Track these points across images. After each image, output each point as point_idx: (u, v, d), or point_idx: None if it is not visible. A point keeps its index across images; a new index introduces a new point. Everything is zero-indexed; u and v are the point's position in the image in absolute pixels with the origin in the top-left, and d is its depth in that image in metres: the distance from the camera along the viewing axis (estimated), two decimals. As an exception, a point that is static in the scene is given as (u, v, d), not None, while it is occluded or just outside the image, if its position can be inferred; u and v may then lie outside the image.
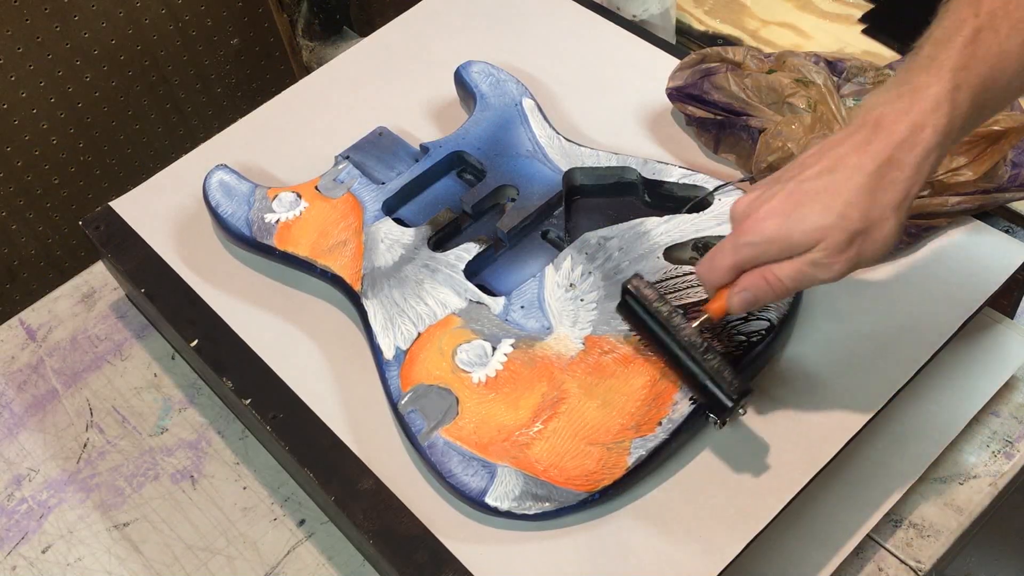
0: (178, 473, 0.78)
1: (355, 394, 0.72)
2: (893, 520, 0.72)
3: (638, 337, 0.68)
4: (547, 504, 0.63)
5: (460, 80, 0.87)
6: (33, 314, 0.89)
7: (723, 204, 0.75)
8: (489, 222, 0.78)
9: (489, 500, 0.64)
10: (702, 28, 1.19)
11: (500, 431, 0.66)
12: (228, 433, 0.80)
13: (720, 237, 0.73)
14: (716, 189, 0.75)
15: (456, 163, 0.82)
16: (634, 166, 0.78)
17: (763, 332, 0.68)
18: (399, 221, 0.78)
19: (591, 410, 0.66)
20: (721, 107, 0.80)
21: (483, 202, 0.79)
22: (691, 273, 0.71)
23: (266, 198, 0.81)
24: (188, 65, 1.36)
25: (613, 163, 0.78)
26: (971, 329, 0.74)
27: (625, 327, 0.69)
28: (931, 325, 0.70)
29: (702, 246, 0.73)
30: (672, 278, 0.71)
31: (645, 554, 0.63)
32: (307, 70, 1.47)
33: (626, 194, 0.79)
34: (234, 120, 0.93)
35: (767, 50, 0.83)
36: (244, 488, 0.77)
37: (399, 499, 0.67)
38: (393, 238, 0.77)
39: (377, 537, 0.65)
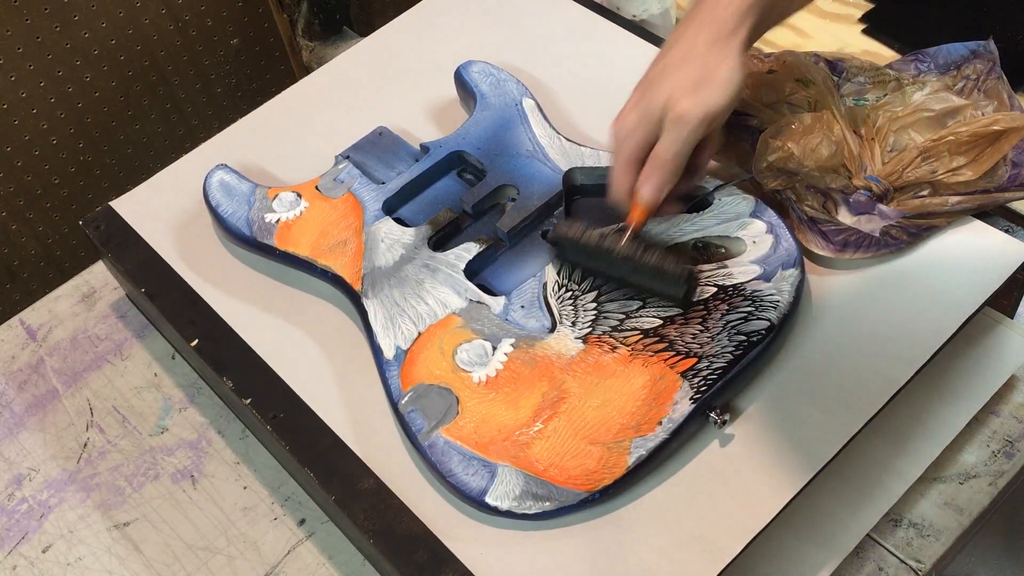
0: (178, 473, 0.78)
1: (355, 394, 0.72)
2: (893, 520, 0.72)
3: (635, 336, 0.68)
4: (547, 504, 0.63)
5: (460, 80, 0.87)
6: (33, 314, 0.89)
7: (723, 204, 0.75)
8: (489, 222, 0.79)
9: (489, 500, 0.64)
10: (702, 28, 1.19)
11: (500, 431, 0.66)
12: (228, 433, 0.80)
13: (720, 237, 0.73)
14: (716, 189, 0.75)
15: (456, 163, 0.82)
16: (634, 166, 0.78)
17: (763, 332, 0.68)
18: (399, 221, 0.78)
19: (591, 410, 0.66)
20: (721, 107, 0.80)
21: (483, 202, 0.79)
22: (691, 273, 0.71)
23: (266, 198, 0.81)
24: (188, 65, 1.36)
25: (613, 163, 0.78)
26: (971, 329, 0.74)
27: (625, 328, 0.69)
28: (931, 325, 0.70)
29: (702, 246, 0.73)
30: (672, 278, 0.71)
31: (645, 554, 0.63)
32: (307, 70, 1.47)
33: (626, 194, 0.79)
34: (234, 120, 0.93)
35: (767, 50, 0.83)
36: (244, 488, 0.77)
37: (399, 499, 0.67)
38: (393, 238, 0.77)
39: (377, 537, 0.65)
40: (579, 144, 0.81)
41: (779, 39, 1.15)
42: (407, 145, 0.84)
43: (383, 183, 0.81)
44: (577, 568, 0.63)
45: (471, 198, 0.78)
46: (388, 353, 0.71)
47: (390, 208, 0.79)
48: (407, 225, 0.78)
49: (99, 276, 0.91)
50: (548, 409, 0.66)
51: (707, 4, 0.66)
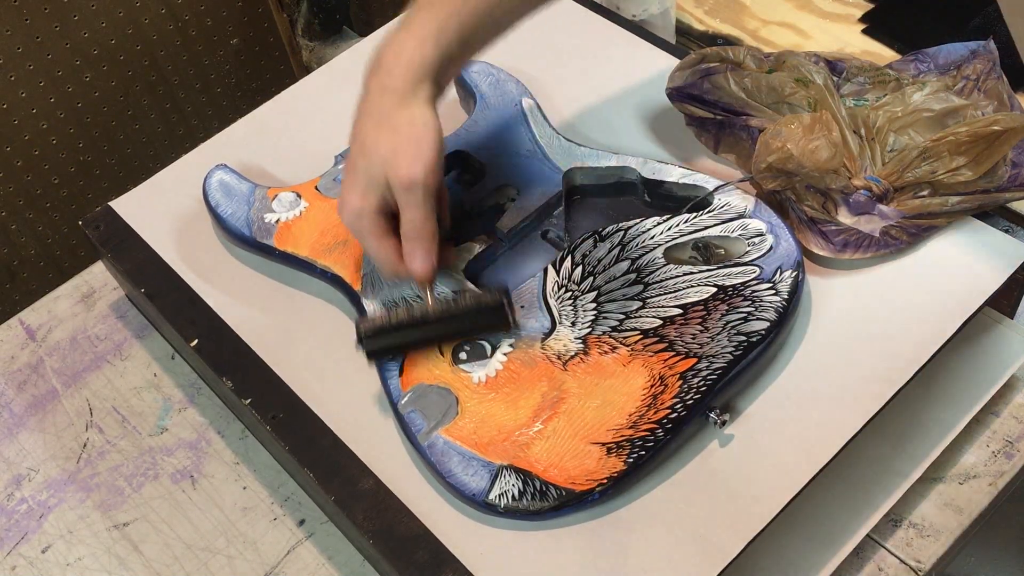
0: (178, 473, 0.78)
1: (355, 394, 0.72)
2: (893, 520, 0.72)
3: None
4: (547, 504, 0.63)
5: (460, 80, 0.87)
6: (33, 314, 0.89)
7: (723, 204, 0.75)
8: (489, 222, 0.78)
9: (489, 500, 0.64)
10: (702, 28, 1.19)
11: (500, 431, 0.66)
12: (228, 433, 0.80)
13: (720, 237, 0.73)
14: (716, 189, 0.75)
15: (456, 163, 0.82)
16: (634, 166, 0.78)
17: (763, 332, 0.68)
18: (399, 221, 0.78)
19: (591, 410, 0.66)
20: (721, 107, 0.80)
21: (483, 202, 0.79)
22: (690, 273, 0.71)
23: (266, 198, 0.81)
24: (188, 65, 1.36)
25: (613, 163, 0.79)
26: (971, 329, 0.74)
27: (625, 329, 0.69)
28: (931, 325, 0.70)
29: (702, 246, 0.73)
30: (672, 277, 0.71)
31: (645, 554, 0.63)
32: (307, 70, 1.47)
33: (626, 194, 0.79)
34: (234, 120, 0.93)
35: (767, 50, 0.83)
36: (244, 488, 0.77)
37: (399, 499, 0.67)
38: (393, 238, 0.77)
39: (377, 537, 0.65)
40: (579, 144, 0.81)
41: (779, 39, 1.15)
42: (407, 145, 0.84)
43: (383, 183, 0.80)
44: (577, 568, 0.63)
45: (471, 198, 0.78)
46: (388, 353, 0.71)
47: (390, 208, 0.79)
48: (407, 225, 0.78)
49: (99, 276, 0.91)
50: (548, 409, 0.66)
51: (381, 74, 0.67)
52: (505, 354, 0.69)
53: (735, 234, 0.73)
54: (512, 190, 0.79)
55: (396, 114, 0.66)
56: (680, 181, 0.77)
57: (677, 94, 0.83)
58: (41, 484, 0.79)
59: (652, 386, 0.66)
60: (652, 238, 0.74)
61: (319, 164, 0.84)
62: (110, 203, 0.87)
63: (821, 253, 0.73)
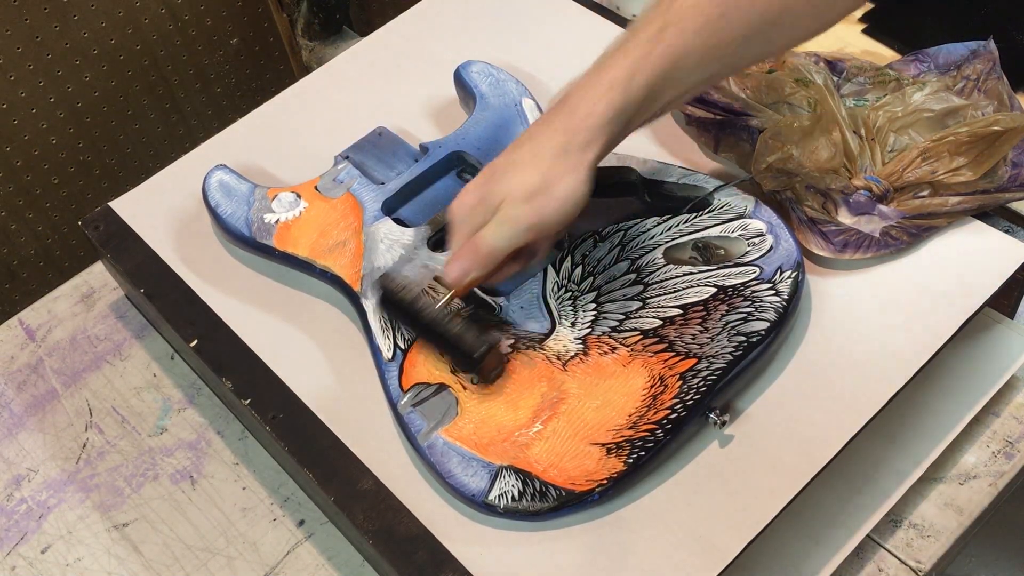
0: (177, 473, 0.78)
1: (355, 394, 0.72)
2: (893, 520, 0.72)
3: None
4: (547, 504, 0.63)
5: (460, 80, 0.87)
6: (33, 314, 0.89)
7: (723, 204, 0.75)
8: (489, 222, 0.78)
9: (489, 500, 0.64)
10: (702, 28, 1.19)
11: (500, 431, 0.66)
12: (228, 433, 0.80)
13: (720, 237, 0.73)
14: (716, 189, 0.75)
15: (456, 163, 0.82)
16: (634, 166, 0.78)
17: (763, 332, 0.68)
18: (399, 221, 0.78)
19: (591, 410, 0.66)
20: (721, 107, 0.80)
21: (483, 202, 0.79)
22: (691, 273, 0.71)
23: (266, 198, 0.81)
24: (188, 65, 1.36)
25: (613, 163, 0.78)
26: (971, 329, 0.74)
27: (624, 329, 0.69)
28: (931, 325, 0.70)
29: (702, 246, 0.73)
30: (672, 278, 0.71)
31: (645, 554, 0.63)
32: (307, 70, 1.47)
33: (626, 194, 0.79)
34: (234, 120, 0.93)
35: (767, 50, 0.83)
36: (244, 488, 0.77)
37: (399, 499, 0.67)
38: (393, 238, 0.77)
39: (377, 537, 0.65)
40: (579, 144, 0.80)
41: (779, 39, 1.15)
42: (407, 145, 0.84)
43: (383, 183, 0.80)
44: (577, 568, 0.63)
45: (471, 198, 0.78)
46: (387, 354, 0.71)
47: (390, 208, 0.79)
48: (406, 225, 0.78)
49: (98, 276, 0.91)
50: (547, 410, 0.66)
51: (567, 109, 0.64)
52: (505, 354, 0.69)
53: (735, 234, 0.73)
54: (512, 190, 0.79)
55: (552, 161, 0.63)
56: (680, 181, 0.77)
57: (677, 94, 0.82)
58: (41, 484, 0.79)
59: (652, 386, 0.66)
60: (652, 238, 0.74)
61: (319, 164, 0.84)
62: (110, 203, 0.87)
63: (821, 253, 0.73)
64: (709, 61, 0.64)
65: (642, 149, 0.84)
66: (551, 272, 0.73)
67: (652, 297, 0.70)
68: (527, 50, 0.93)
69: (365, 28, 1.50)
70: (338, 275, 0.76)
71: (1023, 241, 0.74)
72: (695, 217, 0.74)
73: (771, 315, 0.68)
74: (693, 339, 0.68)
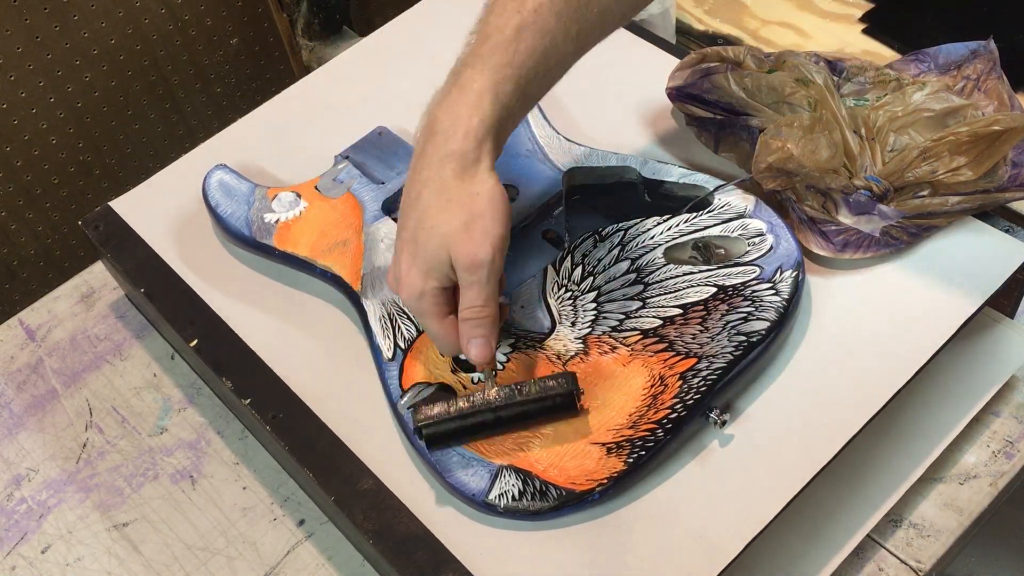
0: (177, 473, 0.78)
1: (355, 394, 0.72)
2: (893, 520, 0.72)
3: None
4: (547, 504, 0.63)
5: (460, 80, 0.87)
6: (32, 314, 0.89)
7: (723, 204, 0.75)
8: (489, 222, 0.78)
9: (489, 500, 0.64)
10: (702, 28, 1.19)
11: (500, 431, 0.66)
12: (228, 433, 0.80)
13: (720, 237, 0.73)
14: (716, 189, 0.75)
15: (456, 163, 0.82)
16: (634, 166, 0.78)
17: (763, 332, 0.68)
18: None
19: (591, 410, 0.66)
20: (721, 107, 0.80)
21: (483, 202, 0.79)
22: (690, 273, 0.71)
23: (266, 198, 0.81)
24: (188, 65, 1.36)
25: (613, 163, 0.78)
26: (971, 329, 0.74)
27: (624, 329, 0.69)
28: (931, 325, 0.70)
29: (702, 246, 0.73)
30: (672, 277, 0.71)
31: (645, 554, 0.63)
32: (307, 70, 1.47)
33: (626, 194, 0.79)
34: (234, 120, 0.93)
35: (767, 50, 0.83)
36: (244, 488, 0.77)
37: (399, 499, 0.67)
38: (393, 238, 0.77)
39: (377, 537, 0.65)
40: (579, 144, 0.81)
41: (779, 39, 1.15)
42: (407, 145, 0.84)
43: (383, 183, 0.80)
44: (577, 568, 0.63)
45: (471, 198, 0.78)
46: (387, 353, 0.71)
47: (390, 208, 0.79)
48: (407, 225, 0.78)
49: (98, 276, 0.91)
50: (548, 409, 0.66)
51: (442, 134, 0.62)
52: (505, 354, 0.69)
53: (735, 234, 0.73)
54: (512, 190, 0.79)
55: (458, 186, 0.61)
56: (680, 181, 0.77)
57: (677, 94, 0.82)
58: (41, 484, 0.79)
59: (652, 386, 0.66)
60: (652, 238, 0.74)
61: (319, 164, 0.84)
62: (110, 203, 0.87)
63: (821, 253, 0.73)
64: (573, 37, 0.62)
65: (642, 149, 0.84)
66: (551, 272, 0.73)
67: (652, 297, 0.70)
68: (527, 50, 0.93)
69: (365, 28, 1.50)
70: (338, 275, 0.76)
71: (1023, 241, 0.74)
72: (695, 217, 0.74)
73: (771, 315, 0.68)
74: (693, 339, 0.68)
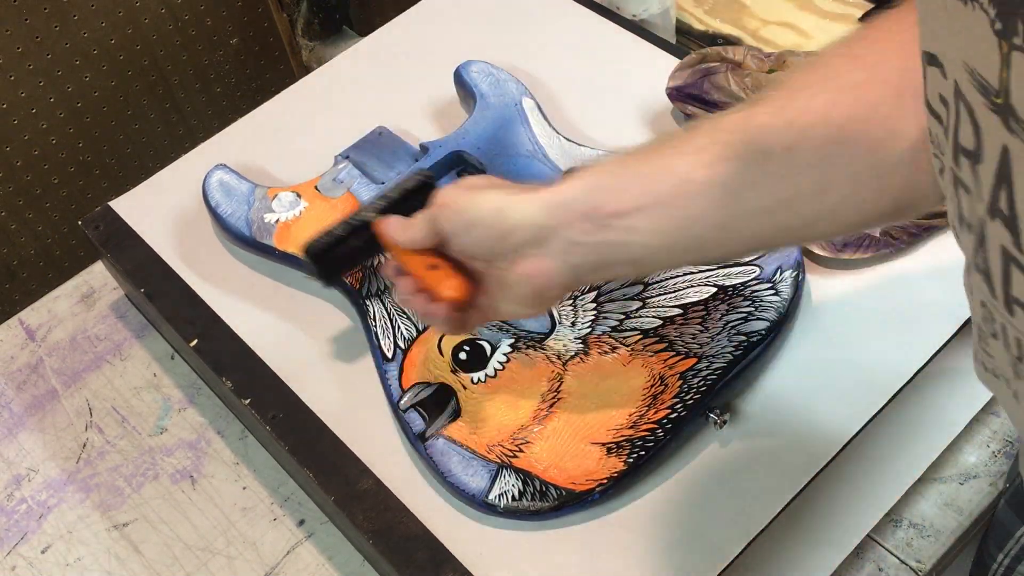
0: (177, 473, 0.78)
1: (355, 394, 0.72)
2: (893, 520, 0.72)
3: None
4: (547, 504, 0.63)
5: (460, 80, 0.87)
6: (33, 314, 0.89)
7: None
8: (489, 222, 0.78)
9: (489, 500, 0.64)
10: (702, 28, 1.19)
11: (500, 431, 0.66)
12: (228, 433, 0.80)
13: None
14: (716, 189, 0.75)
15: (456, 163, 0.82)
16: (634, 166, 0.78)
17: (763, 332, 0.68)
18: (399, 221, 0.78)
19: (591, 410, 0.66)
20: (721, 107, 0.80)
21: (483, 202, 0.78)
22: (690, 273, 0.71)
23: (266, 198, 0.81)
24: (188, 65, 1.36)
25: (613, 163, 0.78)
26: (971, 329, 0.74)
27: (624, 329, 0.69)
28: (931, 325, 0.70)
29: (702, 246, 0.73)
30: (672, 277, 0.71)
31: (645, 554, 0.63)
32: (307, 70, 1.47)
33: (626, 194, 0.79)
34: (234, 120, 0.93)
35: (767, 50, 0.83)
36: (244, 488, 0.77)
37: (399, 499, 0.67)
38: (393, 238, 0.77)
39: (377, 537, 0.65)
40: (579, 144, 0.81)
41: (779, 39, 1.15)
42: (407, 145, 0.84)
43: (383, 183, 0.80)
44: (577, 568, 0.63)
45: (471, 198, 0.78)
46: (388, 353, 0.71)
47: (390, 208, 0.79)
48: (407, 225, 0.78)
49: (98, 276, 0.91)
50: (547, 409, 0.66)
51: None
52: (505, 354, 0.69)
53: (735, 234, 0.73)
54: (512, 190, 0.79)
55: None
56: (680, 181, 0.77)
57: (677, 94, 0.82)
58: (41, 484, 0.79)
59: (652, 386, 0.66)
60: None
61: (319, 164, 0.84)
62: (110, 203, 0.87)
63: (821, 253, 0.73)
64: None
65: (642, 149, 0.84)
66: (551, 272, 0.73)
67: (652, 297, 0.70)
68: (527, 50, 0.93)
69: (365, 28, 1.50)
70: (338, 275, 0.76)
71: (1023, 241, 0.73)
72: (695, 217, 0.74)
73: (771, 315, 0.68)
74: (693, 339, 0.68)
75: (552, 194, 0.54)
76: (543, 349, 0.69)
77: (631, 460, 0.64)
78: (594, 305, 0.71)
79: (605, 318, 0.70)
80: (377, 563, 0.69)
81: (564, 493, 0.63)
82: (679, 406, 0.65)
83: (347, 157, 0.83)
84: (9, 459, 0.80)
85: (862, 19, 1.17)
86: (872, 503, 0.71)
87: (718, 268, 0.71)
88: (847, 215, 0.50)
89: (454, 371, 0.69)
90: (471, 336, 0.70)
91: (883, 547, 0.71)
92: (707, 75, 0.80)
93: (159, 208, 0.86)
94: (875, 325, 0.71)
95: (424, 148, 0.83)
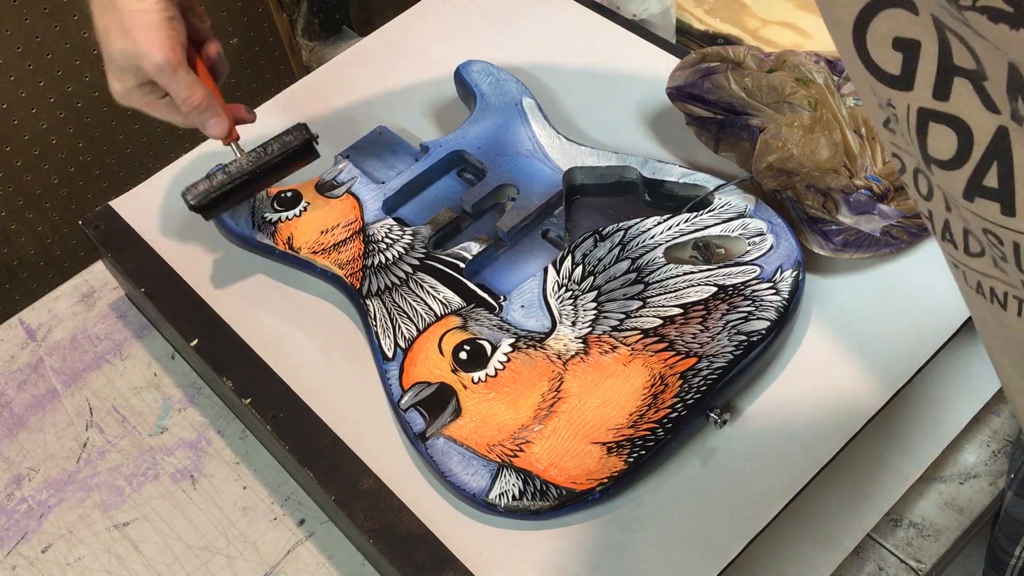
0: (178, 473, 0.78)
1: (355, 394, 0.72)
2: (893, 520, 0.72)
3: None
4: (547, 503, 0.63)
5: (460, 79, 0.87)
6: (33, 314, 0.89)
7: (723, 203, 0.75)
8: (489, 221, 0.78)
9: (489, 499, 0.64)
10: (702, 27, 1.19)
11: (500, 430, 0.66)
12: (228, 433, 0.80)
13: (720, 237, 0.73)
14: (716, 189, 0.75)
15: (456, 162, 0.82)
16: (634, 165, 0.78)
17: (763, 332, 0.68)
18: (399, 220, 0.78)
19: (591, 409, 0.66)
20: (721, 106, 0.80)
21: (483, 201, 0.79)
22: (691, 272, 0.71)
23: (266, 197, 0.81)
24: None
25: (613, 162, 0.78)
26: (971, 329, 0.74)
27: (625, 328, 0.69)
28: (931, 325, 0.70)
29: (702, 246, 0.73)
30: (672, 277, 0.71)
31: (645, 554, 0.63)
32: (307, 70, 1.47)
33: (626, 193, 0.79)
34: (234, 120, 0.93)
35: (767, 49, 0.83)
36: (244, 488, 0.77)
37: (399, 499, 0.67)
38: (393, 237, 0.77)
39: (377, 537, 0.65)
40: (579, 143, 0.81)
41: (779, 39, 1.15)
42: (407, 145, 0.84)
43: (383, 183, 0.80)
44: (577, 568, 0.63)
45: (471, 198, 0.78)
46: (388, 353, 0.71)
47: (390, 208, 0.79)
48: (407, 225, 0.78)
49: (99, 276, 0.91)
50: (548, 409, 0.66)
51: None
52: (505, 354, 0.69)
53: (735, 233, 0.73)
54: (512, 190, 0.79)
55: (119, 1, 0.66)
56: (680, 181, 0.77)
57: (677, 94, 0.82)
58: (41, 484, 0.79)
59: (652, 385, 0.66)
60: (652, 238, 0.74)
61: (319, 164, 0.84)
62: (110, 203, 0.87)
63: (821, 253, 0.73)
64: None
65: (642, 148, 0.84)
66: (551, 272, 0.73)
67: (652, 296, 0.70)
68: (527, 50, 0.93)
69: (365, 28, 1.50)
70: (338, 275, 0.76)
71: (1023, 241, 0.73)
72: (695, 216, 0.74)
73: (771, 314, 0.68)
74: (693, 338, 0.68)
75: None
76: (543, 348, 0.69)
77: (631, 459, 0.64)
78: (594, 305, 0.71)
79: (605, 317, 0.70)
80: (377, 563, 0.69)
81: (564, 492, 0.63)
82: (679, 405, 0.65)
83: (347, 157, 0.83)
84: (9, 459, 0.80)
85: (862, 19, 1.16)
86: (872, 503, 0.71)
87: (718, 268, 0.71)
88: None
89: (454, 370, 0.69)
90: (472, 336, 0.70)
91: (883, 547, 0.71)
92: (707, 75, 0.80)
93: (159, 208, 0.86)
94: (875, 325, 0.71)
95: (424, 148, 0.83)
